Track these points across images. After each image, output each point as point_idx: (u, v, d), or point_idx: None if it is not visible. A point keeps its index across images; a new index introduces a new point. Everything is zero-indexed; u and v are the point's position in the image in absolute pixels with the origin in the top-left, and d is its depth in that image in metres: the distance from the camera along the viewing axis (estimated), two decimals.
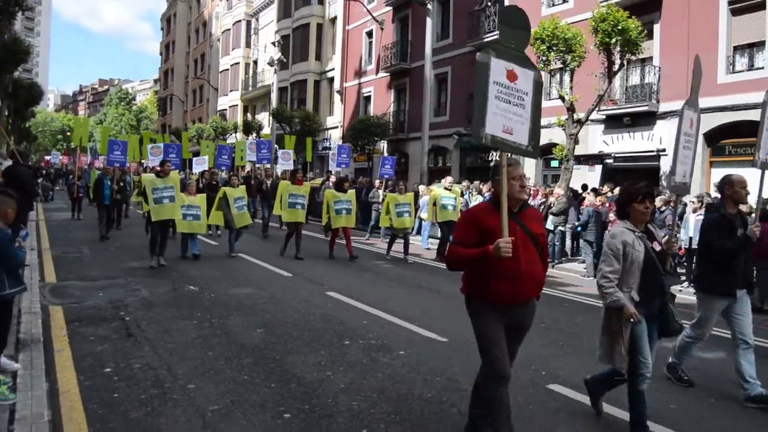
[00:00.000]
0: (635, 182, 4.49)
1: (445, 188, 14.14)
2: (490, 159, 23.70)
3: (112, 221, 15.87)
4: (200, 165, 20.21)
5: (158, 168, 12.48)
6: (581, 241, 13.57)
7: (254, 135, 37.52)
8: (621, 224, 4.37)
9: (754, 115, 14.95)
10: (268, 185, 18.29)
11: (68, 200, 22.90)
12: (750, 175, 14.12)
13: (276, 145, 26.91)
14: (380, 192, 18.32)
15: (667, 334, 4.47)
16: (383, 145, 29.66)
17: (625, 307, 4.07)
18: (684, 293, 11.49)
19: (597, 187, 16.67)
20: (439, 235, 16.60)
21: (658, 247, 4.37)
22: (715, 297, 5.35)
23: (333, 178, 19.50)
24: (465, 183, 18.46)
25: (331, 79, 36.65)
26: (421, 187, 18.51)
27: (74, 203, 20.39)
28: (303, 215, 13.17)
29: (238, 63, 50.07)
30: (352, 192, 13.82)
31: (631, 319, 4.05)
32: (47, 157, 54.38)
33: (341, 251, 13.29)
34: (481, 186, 17.40)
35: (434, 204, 13.96)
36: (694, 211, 11.94)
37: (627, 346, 4.14)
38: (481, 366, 3.94)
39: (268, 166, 23.13)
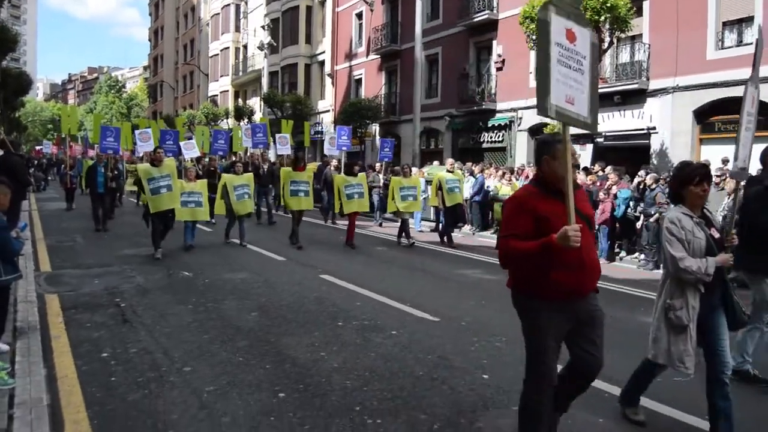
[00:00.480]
0: (688, 162, 4.16)
1: (448, 171, 14.07)
2: (482, 140, 23.74)
3: (107, 212, 14.76)
4: (189, 150, 19.37)
5: (152, 156, 12.25)
6: None
7: (246, 120, 37.42)
8: (676, 209, 3.96)
9: (742, 91, 15.02)
10: (264, 170, 17.86)
11: (61, 190, 22.18)
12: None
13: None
14: (380, 176, 18.23)
15: (734, 327, 4.05)
16: (375, 128, 29.65)
17: (719, 259, 3.79)
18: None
19: (588, 166, 16.75)
20: (431, 217, 16.71)
21: (716, 234, 3.95)
22: (762, 276, 5.00)
23: (335, 162, 19.35)
24: (457, 164, 18.49)
25: (322, 63, 36.50)
26: (414, 170, 18.52)
27: (68, 193, 19.81)
28: (307, 202, 12.58)
29: (227, 48, 49.77)
30: (362, 175, 13.56)
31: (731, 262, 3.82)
32: (38, 147, 54.09)
33: (334, 236, 13.36)
34: (473, 167, 17.43)
35: (439, 188, 13.52)
36: None
37: (695, 341, 3.83)
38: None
39: (263, 150, 22.43)
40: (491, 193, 15.90)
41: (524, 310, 3.45)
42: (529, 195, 3.40)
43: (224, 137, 21.49)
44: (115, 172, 15.74)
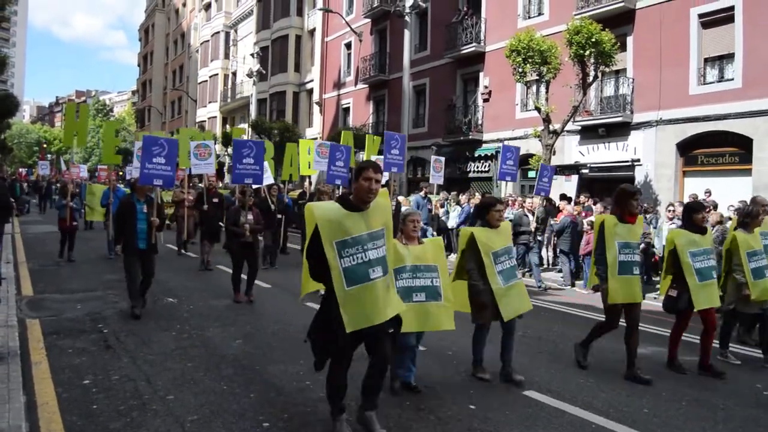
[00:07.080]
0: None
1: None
2: (468, 170, 23.92)
3: (150, 278, 8.38)
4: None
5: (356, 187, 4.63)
6: (558, 250, 13.74)
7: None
8: None
9: (724, 125, 15.34)
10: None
11: (58, 230, 13.59)
12: (719, 185, 14.58)
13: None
14: (530, 217, 13.25)
15: None
16: (361, 156, 29.73)
17: None
18: (659, 301, 11.67)
19: (573, 197, 16.91)
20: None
21: None
22: None
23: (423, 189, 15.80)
24: (443, 194, 18.55)
25: (310, 91, 36.74)
26: (401, 198, 18.47)
27: (64, 235, 13.04)
28: (639, 287, 6.21)
29: (216, 74, 50.00)
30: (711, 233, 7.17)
31: None
32: (22, 170, 53.56)
33: None
34: (459, 197, 17.46)
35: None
36: (670, 219, 12.13)
37: None
38: None
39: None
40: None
41: None
42: None
43: (344, 157, 13.59)
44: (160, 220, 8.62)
